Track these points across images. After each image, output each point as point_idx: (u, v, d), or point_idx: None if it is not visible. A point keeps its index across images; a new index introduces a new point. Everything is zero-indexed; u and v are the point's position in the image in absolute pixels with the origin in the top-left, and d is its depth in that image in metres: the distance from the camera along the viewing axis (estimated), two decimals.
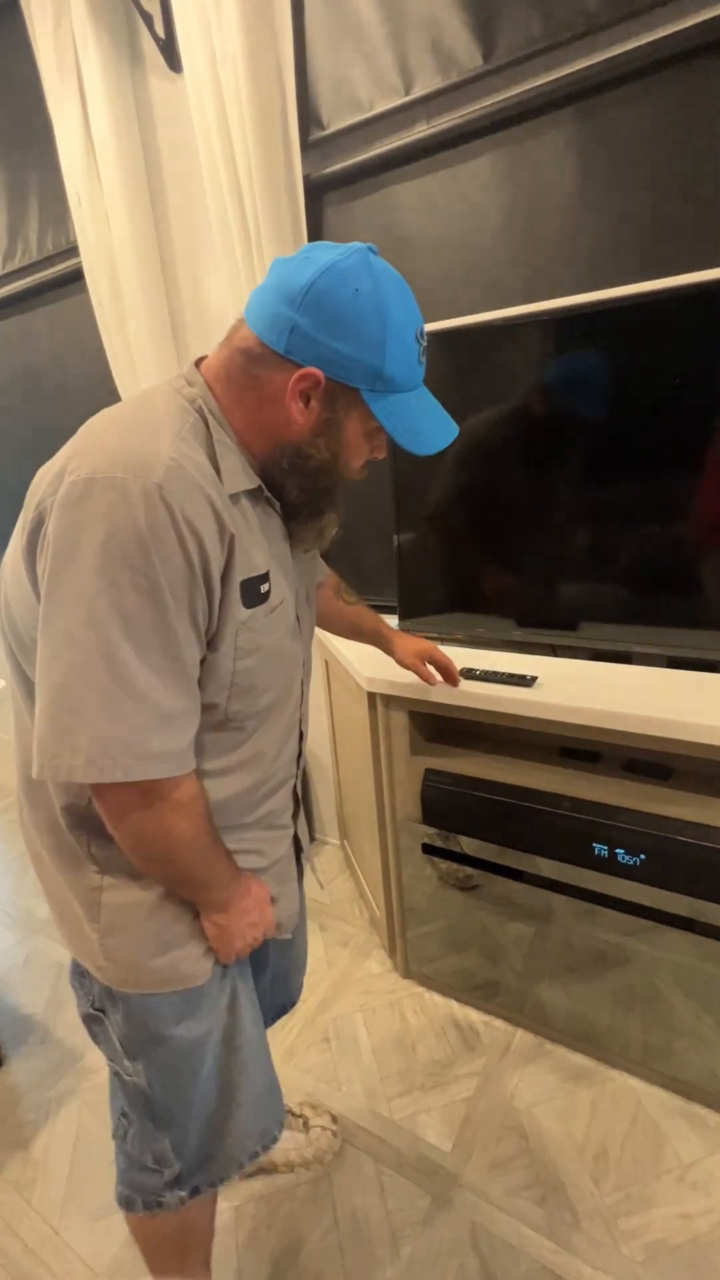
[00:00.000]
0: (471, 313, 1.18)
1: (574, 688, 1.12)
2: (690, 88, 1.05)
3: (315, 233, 1.45)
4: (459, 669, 1.20)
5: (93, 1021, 0.76)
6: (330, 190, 1.43)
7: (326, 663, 1.77)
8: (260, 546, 0.64)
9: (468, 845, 1.29)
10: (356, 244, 0.60)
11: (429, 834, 1.33)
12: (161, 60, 1.48)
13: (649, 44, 1.03)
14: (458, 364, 1.21)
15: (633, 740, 1.04)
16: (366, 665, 1.33)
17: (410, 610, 1.46)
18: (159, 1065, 0.73)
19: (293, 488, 0.66)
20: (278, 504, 0.68)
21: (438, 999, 1.44)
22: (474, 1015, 1.40)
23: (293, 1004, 1.04)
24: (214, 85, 1.33)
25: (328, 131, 1.37)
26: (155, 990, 0.70)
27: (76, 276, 1.78)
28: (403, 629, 1.50)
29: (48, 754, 0.55)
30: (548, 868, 1.20)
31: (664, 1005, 1.15)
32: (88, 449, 0.56)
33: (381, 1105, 1.22)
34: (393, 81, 1.26)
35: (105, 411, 0.61)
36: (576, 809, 1.11)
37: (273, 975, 0.95)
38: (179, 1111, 0.75)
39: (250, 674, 0.65)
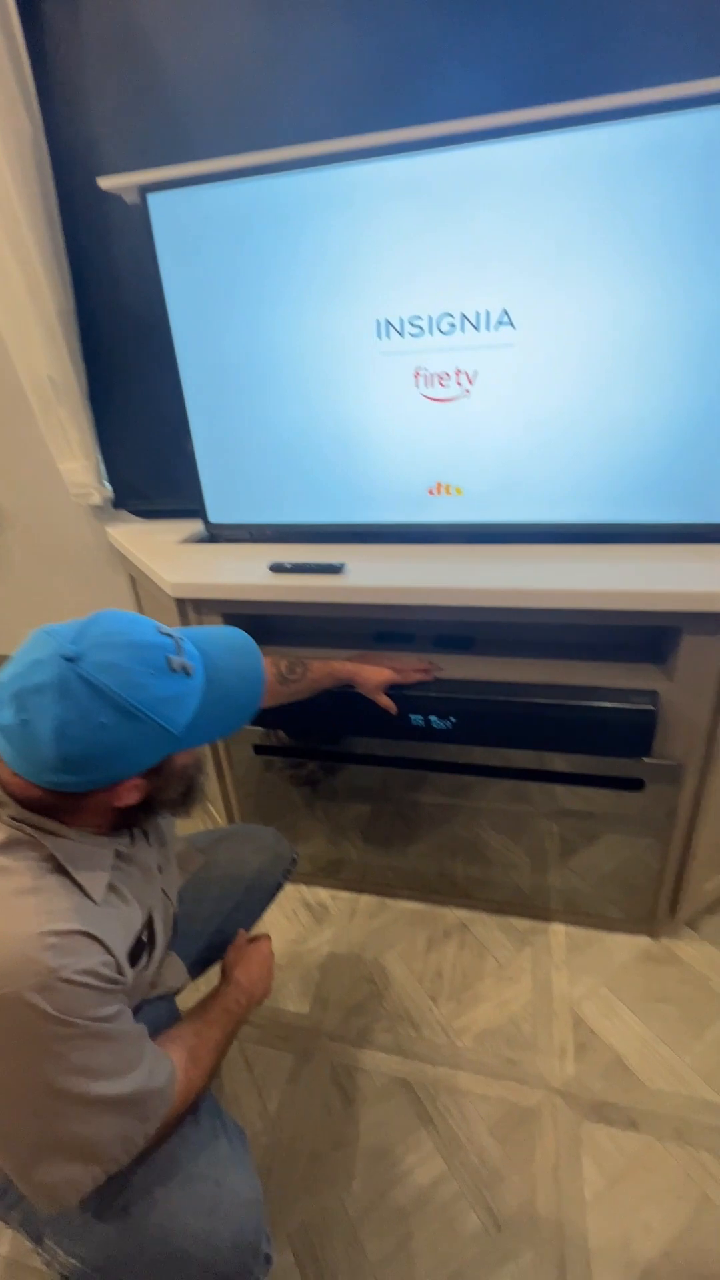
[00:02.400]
0: (236, 152, 1.04)
1: (381, 570, 1.15)
2: None
3: (33, 27, 1.15)
4: (270, 564, 1.16)
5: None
6: None
7: (133, 577, 1.63)
8: (132, 889, 0.69)
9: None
10: (57, 675, 0.55)
11: (258, 734, 1.33)
12: None
13: None
14: (224, 217, 1.08)
15: (439, 614, 1.10)
16: (171, 569, 1.23)
17: (217, 512, 1.37)
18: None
19: (151, 818, 0.72)
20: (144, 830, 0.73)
21: (287, 889, 1.49)
22: (322, 894, 1.49)
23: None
24: None
25: None
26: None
27: None
28: (214, 530, 1.41)
29: (47, 1193, 0.57)
30: (373, 746, 1.27)
31: (481, 844, 1.32)
32: None
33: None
34: None
35: None
36: (391, 687, 1.17)
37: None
38: None
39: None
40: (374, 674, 1.08)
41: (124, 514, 1.62)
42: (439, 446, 1.16)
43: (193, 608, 1.23)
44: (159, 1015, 0.80)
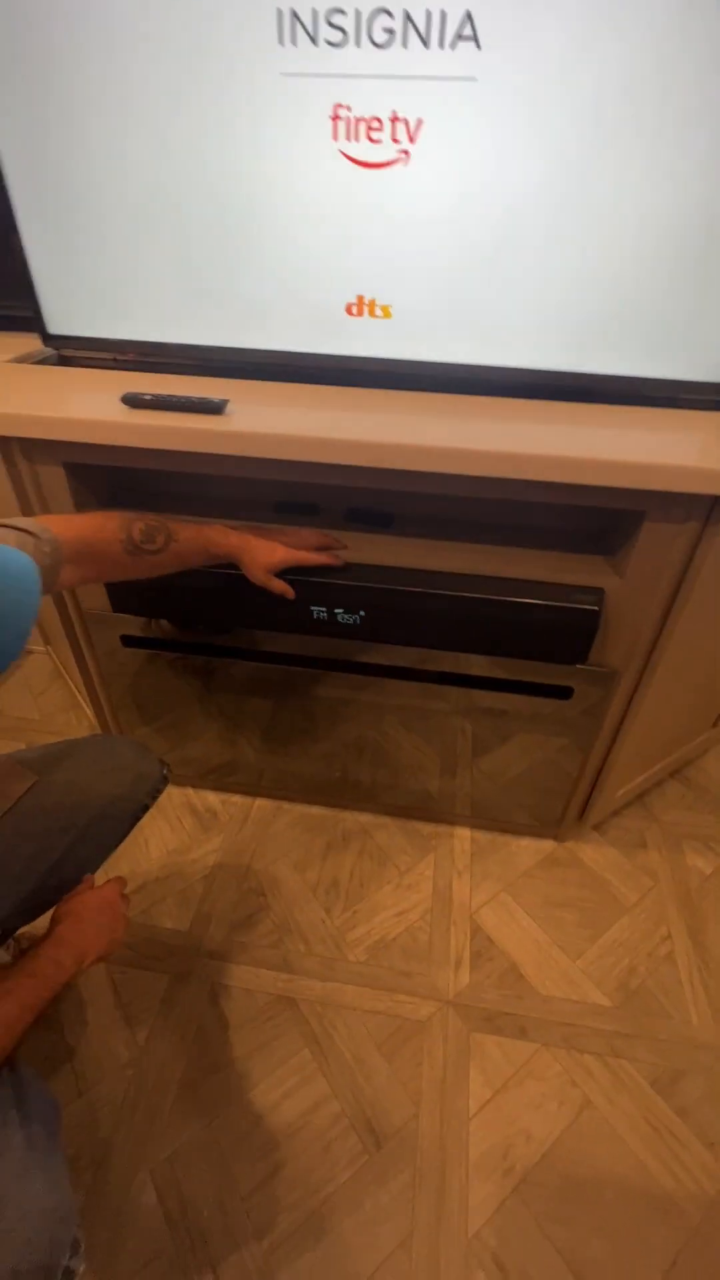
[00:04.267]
0: None
1: (275, 414, 0.86)
2: None
3: None
4: (124, 395, 0.85)
5: None
6: None
7: None
8: None
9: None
10: None
11: (129, 622, 1.07)
12: None
13: None
14: None
15: (351, 478, 0.85)
16: None
17: (59, 320, 1.00)
18: None
19: None
20: None
21: (172, 792, 1.34)
22: (211, 798, 1.33)
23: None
24: None
25: None
26: None
27: None
28: (58, 347, 1.05)
29: None
30: (266, 640, 1.06)
31: (390, 745, 1.18)
32: None
33: None
34: None
35: None
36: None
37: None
38: None
39: None
40: (263, 552, 0.84)
41: None
42: (364, 241, 0.84)
43: (21, 451, 0.90)
44: None
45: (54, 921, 0.72)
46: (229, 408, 0.83)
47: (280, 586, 0.87)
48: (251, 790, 1.34)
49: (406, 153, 0.77)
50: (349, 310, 0.90)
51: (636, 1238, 0.80)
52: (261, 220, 0.85)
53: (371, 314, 0.89)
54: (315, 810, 1.31)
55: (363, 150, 0.78)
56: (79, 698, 1.48)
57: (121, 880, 0.80)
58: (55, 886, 0.78)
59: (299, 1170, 0.84)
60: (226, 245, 0.87)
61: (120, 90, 0.79)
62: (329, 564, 0.89)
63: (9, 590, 0.46)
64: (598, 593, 0.89)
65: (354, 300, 0.89)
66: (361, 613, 0.94)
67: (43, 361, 1.08)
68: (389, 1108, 0.90)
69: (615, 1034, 0.98)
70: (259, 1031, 0.97)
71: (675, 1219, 0.81)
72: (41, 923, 0.77)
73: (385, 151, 0.78)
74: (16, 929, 0.79)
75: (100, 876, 0.81)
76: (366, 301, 0.89)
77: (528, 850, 1.25)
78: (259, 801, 1.33)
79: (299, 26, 0.72)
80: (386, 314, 0.89)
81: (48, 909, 0.79)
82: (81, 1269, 0.54)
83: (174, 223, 0.87)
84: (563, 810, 1.21)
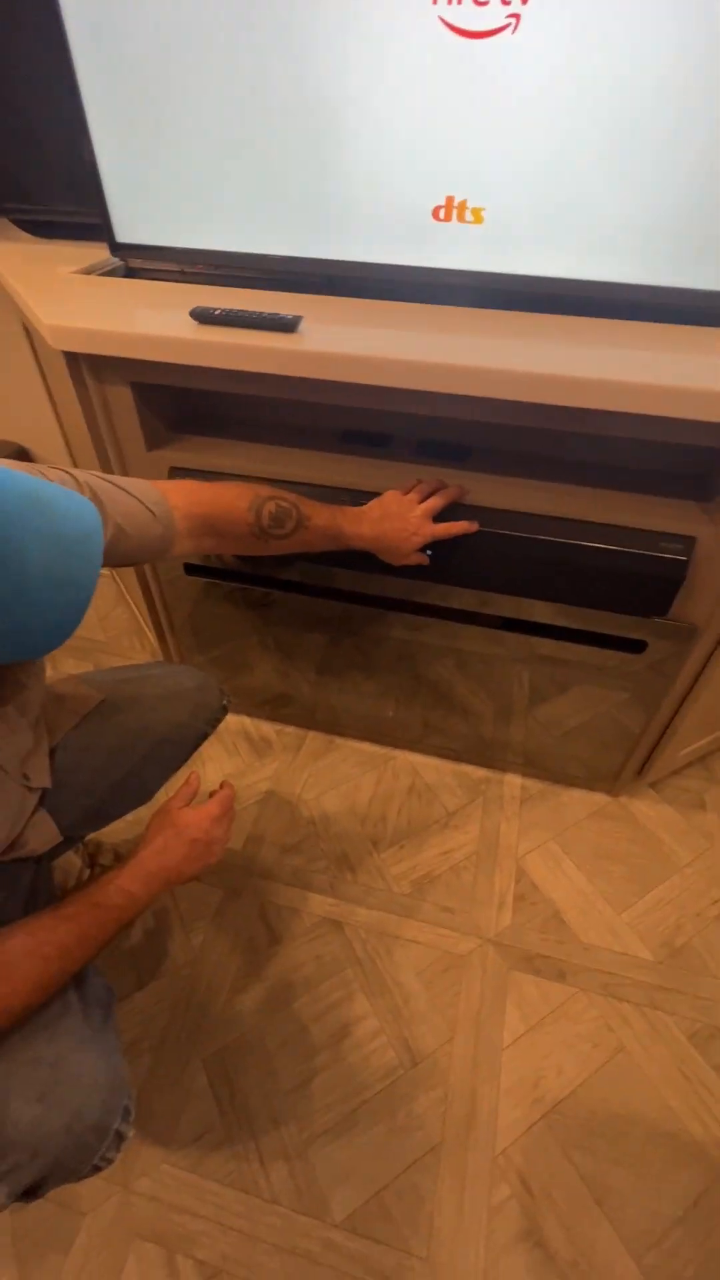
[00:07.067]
0: None
1: (351, 333, 0.81)
2: None
3: None
4: (192, 310, 0.81)
5: None
6: None
7: (26, 328, 1.22)
8: None
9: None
10: None
11: None
12: None
13: None
14: None
15: (428, 406, 0.79)
16: (56, 308, 0.86)
17: (127, 228, 0.95)
18: None
19: None
20: None
21: (229, 719, 1.36)
22: (266, 727, 1.36)
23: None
24: None
25: None
26: None
27: None
28: (126, 257, 1.00)
29: None
30: (330, 577, 1.04)
31: (444, 688, 1.17)
32: None
33: None
34: None
35: None
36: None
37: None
38: None
39: None
40: (403, 538, 0.80)
41: (8, 226, 1.16)
42: (458, 130, 0.75)
43: (89, 368, 0.88)
44: (13, 885, 0.68)
45: (149, 830, 0.70)
46: (302, 325, 0.78)
47: (419, 559, 0.85)
48: (305, 723, 1.36)
49: (516, 16, 0.67)
50: (436, 214, 0.81)
51: (659, 1175, 0.82)
52: (345, 107, 0.76)
53: (461, 218, 0.80)
54: (367, 747, 1.33)
55: (465, 15, 0.68)
56: (142, 623, 1.52)
57: (230, 792, 0.75)
58: (119, 801, 0.82)
59: (338, 1075, 0.90)
60: (306, 139, 0.79)
61: None
62: (469, 531, 0.84)
63: (75, 557, 0.43)
64: (687, 541, 0.82)
65: (442, 202, 0.80)
66: (428, 551, 0.90)
67: (110, 273, 1.04)
68: (425, 1030, 0.94)
69: (656, 987, 0.98)
70: (305, 948, 1.03)
71: (700, 1163, 0.83)
72: (109, 831, 0.81)
73: (492, 16, 0.67)
74: (84, 836, 0.84)
75: (161, 796, 0.85)
76: (456, 204, 0.80)
77: (579, 802, 1.24)
78: (312, 734, 1.35)
79: None
80: (478, 218, 0.80)
81: (113, 820, 0.84)
82: (131, 1134, 0.60)
83: (252, 115, 0.79)
84: (620, 766, 1.18)
